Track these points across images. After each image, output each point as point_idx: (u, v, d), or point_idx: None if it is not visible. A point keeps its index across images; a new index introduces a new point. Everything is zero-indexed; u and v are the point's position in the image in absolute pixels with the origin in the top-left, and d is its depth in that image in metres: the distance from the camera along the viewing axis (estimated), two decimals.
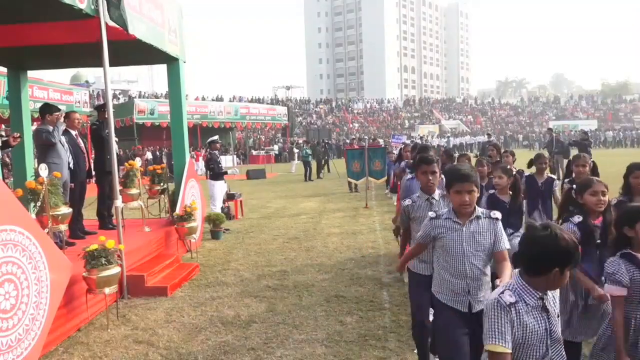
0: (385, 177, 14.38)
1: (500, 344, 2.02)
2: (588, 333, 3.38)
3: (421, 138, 40.94)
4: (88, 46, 6.28)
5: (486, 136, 30.68)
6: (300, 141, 35.46)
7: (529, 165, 6.00)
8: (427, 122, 62.34)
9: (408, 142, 22.46)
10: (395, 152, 17.94)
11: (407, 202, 3.70)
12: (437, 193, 3.68)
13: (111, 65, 5.78)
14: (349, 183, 16.32)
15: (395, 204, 10.79)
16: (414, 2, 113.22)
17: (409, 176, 4.79)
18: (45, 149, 6.44)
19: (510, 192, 4.75)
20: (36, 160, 7.49)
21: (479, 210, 3.00)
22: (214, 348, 4.41)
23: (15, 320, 3.66)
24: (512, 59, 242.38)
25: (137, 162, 7.81)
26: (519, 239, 2.37)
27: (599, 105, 68.76)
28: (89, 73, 43.60)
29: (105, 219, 7.61)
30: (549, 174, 5.82)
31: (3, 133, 13.43)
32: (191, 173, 8.45)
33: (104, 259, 4.85)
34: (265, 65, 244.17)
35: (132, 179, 7.43)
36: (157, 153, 29.22)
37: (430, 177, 3.60)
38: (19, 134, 6.75)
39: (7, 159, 18.03)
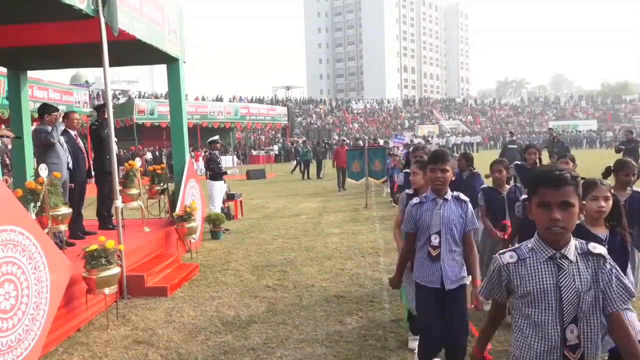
0: (385, 178, 14.39)
1: None
2: None
3: (424, 138, 40.72)
4: (88, 46, 6.29)
5: (508, 135, 25.34)
6: (300, 141, 35.52)
7: (606, 175, 4.17)
8: (427, 122, 62.36)
9: (409, 142, 22.51)
10: (398, 153, 17.89)
11: (511, 258, 2.02)
12: (573, 245, 1.95)
13: (111, 65, 5.77)
14: (338, 182, 17.47)
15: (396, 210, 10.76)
16: (414, 2, 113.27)
17: (415, 201, 3.45)
18: (44, 149, 6.44)
19: (608, 224, 3.07)
20: (36, 160, 7.50)
21: None
22: (214, 348, 4.41)
23: (15, 321, 3.66)
24: (512, 59, 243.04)
25: (137, 163, 7.81)
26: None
27: (598, 105, 68.81)
28: (89, 73, 43.68)
29: (105, 219, 7.60)
30: (633, 188, 4.17)
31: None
32: (191, 173, 8.45)
33: (104, 259, 4.85)
34: (265, 66, 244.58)
35: (132, 179, 7.43)
36: (157, 153, 29.24)
37: (558, 215, 1.87)
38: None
39: (7, 159, 18.03)
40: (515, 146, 15.23)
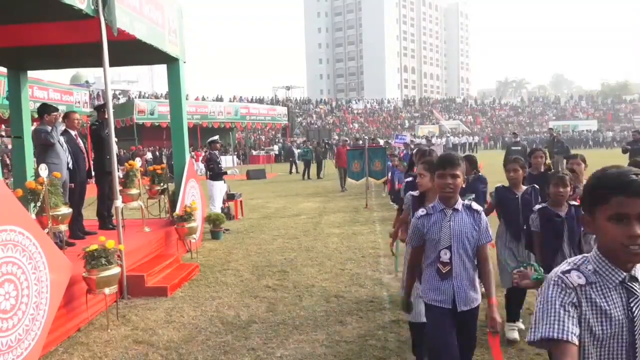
0: (385, 178, 14.37)
1: None
2: None
3: (425, 138, 40.60)
4: (88, 46, 6.29)
5: (512, 135, 24.24)
6: (299, 141, 35.54)
7: None
8: (427, 122, 62.37)
9: (409, 142, 22.43)
10: (397, 153, 17.80)
11: (579, 279, 1.52)
12: None
13: (111, 65, 5.77)
14: (340, 181, 17.38)
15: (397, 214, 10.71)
16: (414, 2, 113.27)
17: (421, 212, 3.06)
18: (44, 149, 6.44)
19: None
20: (36, 160, 7.50)
21: None
22: (214, 348, 4.41)
23: (15, 321, 3.66)
24: (512, 59, 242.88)
25: (137, 163, 7.81)
26: None
27: (599, 105, 68.83)
28: (89, 73, 43.71)
29: (105, 219, 7.60)
30: None
31: (3, 133, 13.46)
32: (191, 173, 8.45)
33: (104, 259, 4.85)
34: (266, 66, 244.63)
35: (132, 179, 7.43)
36: (157, 153, 29.24)
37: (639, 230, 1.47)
38: None
39: (7, 159, 18.04)
40: (519, 148, 14.57)
